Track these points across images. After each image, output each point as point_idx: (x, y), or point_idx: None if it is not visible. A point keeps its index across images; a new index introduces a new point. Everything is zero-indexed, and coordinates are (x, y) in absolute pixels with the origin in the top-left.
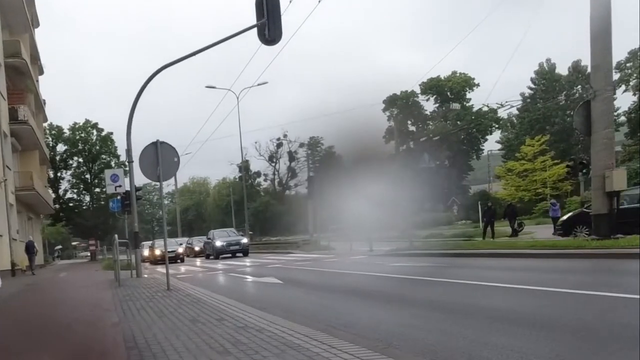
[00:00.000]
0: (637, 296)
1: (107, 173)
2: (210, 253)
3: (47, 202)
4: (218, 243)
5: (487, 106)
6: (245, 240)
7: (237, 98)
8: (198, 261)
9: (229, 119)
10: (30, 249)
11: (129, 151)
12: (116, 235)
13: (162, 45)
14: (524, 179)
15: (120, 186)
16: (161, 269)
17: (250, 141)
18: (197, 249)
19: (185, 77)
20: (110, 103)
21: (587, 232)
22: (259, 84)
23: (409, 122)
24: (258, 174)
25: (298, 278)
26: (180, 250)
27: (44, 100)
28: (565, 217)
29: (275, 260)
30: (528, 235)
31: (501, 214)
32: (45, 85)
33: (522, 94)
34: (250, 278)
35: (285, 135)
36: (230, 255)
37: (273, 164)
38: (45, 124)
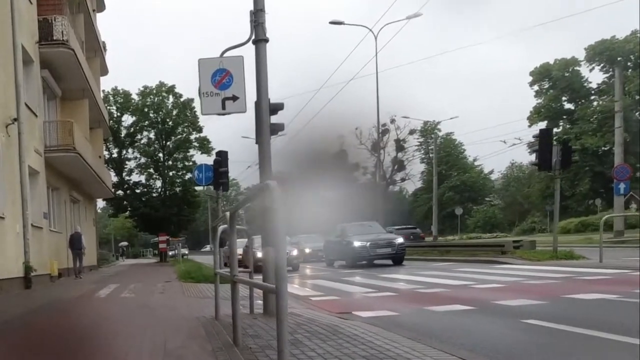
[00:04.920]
0: None
1: (205, 66)
2: (337, 258)
3: (101, 178)
4: (357, 243)
5: None
6: (400, 239)
7: (375, 38)
8: (308, 269)
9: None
10: (76, 244)
11: None
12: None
13: None
14: None
15: (235, 99)
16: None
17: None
18: (307, 251)
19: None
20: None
21: None
22: (407, 17)
23: (565, 98)
24: (355, 166)
25: None
26: (295, 252)
27: (104, 42)
28: None
29: (512, 279)
30: None
31: None
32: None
33: None
34: None
35: (392, 121)
36: (365, 262)
37: (376, 155)
38: (106, 87)
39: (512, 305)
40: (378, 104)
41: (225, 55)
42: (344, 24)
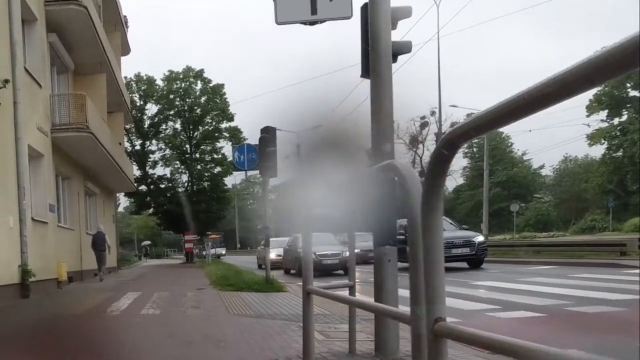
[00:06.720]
0: None
1: None
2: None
3: (121, 168)
4: None
5: None
6: (480, 238)
7: (437, 7)
8: (358, 272)
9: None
10: (99, 245)
11: None
12: None
13: None
14: None
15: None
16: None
17: None
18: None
19: None
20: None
21: None
22: None
23: (629, 84)
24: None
25: None
26: (347, 253)
27: (125, 16)
28: None
29: None
30: None
31: None
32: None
33: None
34: None
35: (433, 113)
36: None
37: (414, 149)
38: (128, 74)
39: None
40: (440, 84)
41: None
42: None
